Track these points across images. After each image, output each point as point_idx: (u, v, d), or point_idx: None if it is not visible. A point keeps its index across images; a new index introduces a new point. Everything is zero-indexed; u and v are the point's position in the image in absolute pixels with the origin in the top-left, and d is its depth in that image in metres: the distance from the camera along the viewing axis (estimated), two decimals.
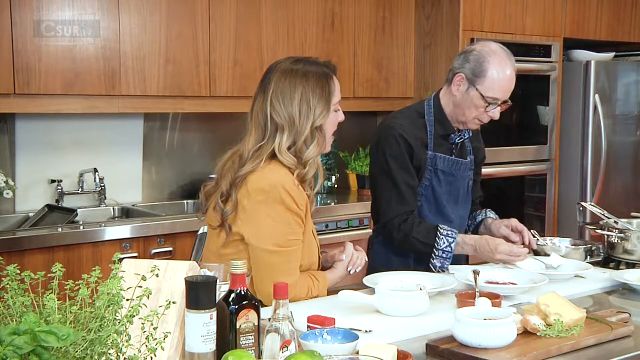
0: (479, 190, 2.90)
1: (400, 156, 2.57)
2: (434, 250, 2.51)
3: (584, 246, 2.72)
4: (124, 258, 1.54)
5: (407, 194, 2.56)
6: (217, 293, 1.52)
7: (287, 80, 2.15)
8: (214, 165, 2.26)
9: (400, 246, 2.59)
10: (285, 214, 2.09)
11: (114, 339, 1.22)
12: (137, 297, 1.29)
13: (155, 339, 1.27)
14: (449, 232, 2.52)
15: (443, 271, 2.51)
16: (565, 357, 1.71)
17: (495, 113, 2.55)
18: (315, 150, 2.15)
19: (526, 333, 1.78)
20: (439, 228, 2.53)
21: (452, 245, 2.50)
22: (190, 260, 1.68)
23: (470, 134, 2.70)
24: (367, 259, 2.40)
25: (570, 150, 4.89)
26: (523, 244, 2.59)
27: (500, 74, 2.50)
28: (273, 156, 2.12)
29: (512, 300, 2.16)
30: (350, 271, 2.32)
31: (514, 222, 2.65)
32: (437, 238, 2.51)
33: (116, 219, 3.74)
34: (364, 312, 2.01)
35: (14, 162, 3.56)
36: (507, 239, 2.57)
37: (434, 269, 2.52)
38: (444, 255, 2.51)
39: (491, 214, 2.78)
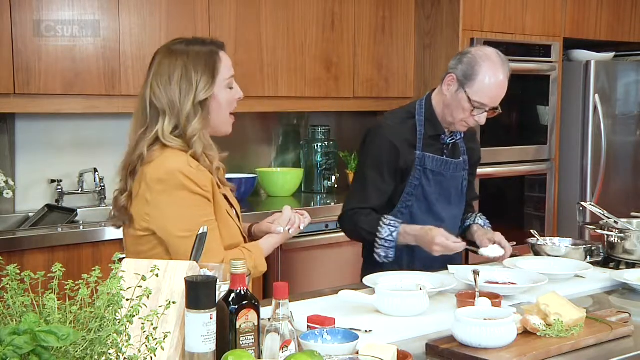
0: (474, 192, 2.90)
1: (378, 158, 2.60)
2: (377, 239, 2.54)
3: (584, 246, 2.72)
4: (124, 258, 1.54)
5: (372, 194, 2.58)
6: (217, 293, 1.52)
7: (167, 61, 2.12)
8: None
9: (350, 237, 2.68)
10: (189, 197, 2.03)
11: (114, 339, 1.22)
12: (137, 297, 1.29)
13: (155, 339, 1.27)
14: (392, 222, 2.54)
15: (388, 261, 2.54)
16: (565, 357, 1.71)
17: (481, 118, 2.55)
18: (197, 125, 2.08)
19: (526, 333, 1.78)
20: (382, 218, 2.55)
21: (394, 234, 2.52)
22: (190, 260, 1.68)
23: (462, 135, 2.70)
24: (309, 219, 2.29)
25: (570, 150, 4.89)
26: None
27: (490, 79, 2.50)
28: (162, 143, 2.08)
29: (512, 300, 2.16)
30: (289, 230, 2.23)
31: (498, 237, 2.60)
32: (379, 227, 2.53)
33: None
34: (364, 312, 2.01)
35: (14, 162, 3.56)
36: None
37: (378, 259, 2.54)
38: (386, 245, 2.53)
39: (480, 220, 2.75)
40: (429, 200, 2.64)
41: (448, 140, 2.66)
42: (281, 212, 2.26)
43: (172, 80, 2.09)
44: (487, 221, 2.78)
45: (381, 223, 2.54)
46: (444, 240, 2.43)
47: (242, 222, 2.27)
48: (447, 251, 2.45)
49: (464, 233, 2.74)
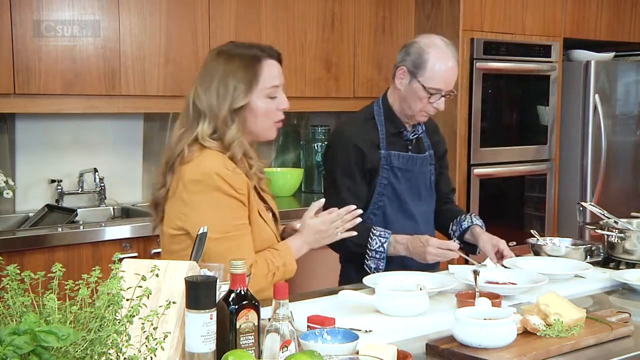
0: (450, 184, 2.91)
1: (346, 163, 2.58)
2: (367, 251, 2.52)
3: (584, 246, 2.72)
4: (124, 258, 1.54)
5: (348, 200, 2.48)
6: (217, 293, 1.52)
7: (211, 64, 2.15)
8: None
9: (334, 248, 2.55)
10: (224, 199, 2.06)
11: (114, 339, 1.22)
12: (137, 297, 1.29)
13: (155, 339, 1.27)
14: (382, 233, 2.53)
15: (378, 272, 2.49)
16: (565, 357, 1.71)
17: (439, 104, 2.57)
18: (235, 131, 2.10)
19: (526, 333, 1.78)
20: (372, 229, 2.53)
21: (385, 245, 2.51)
22: (190, 260, 1.68)
23: (424, 129, 2.71)
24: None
25: (570, 150, 4.89)
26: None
27: (440, 64, 2.52)
28: (205, 145, 2.11)
29: (512, 300, 2.15)
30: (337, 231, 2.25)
31: (502, 244, 2.58)
32: (369, 239, 2.51)
33: (116, 219, 3.74)
34: (364, 312, 2.01)
35: (14, 162, 3.56)
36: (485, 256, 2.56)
37: (369, 270, 2.51)
38: (377, 256, 2.52)
39: (477, 220, 2.74)
40: (401, 198, 2.64)
41: (410, 136, 2.67)
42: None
43: (212, 84, 2.11)
44: (482, 222, 2.77)
45: (371, 234, 2.52)
46: (438, 251, 2.43)
47: (279, 226, 2.29)
48: (442, 258, 2.45)
49: (463, 234, 2.73)
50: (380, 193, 2.62)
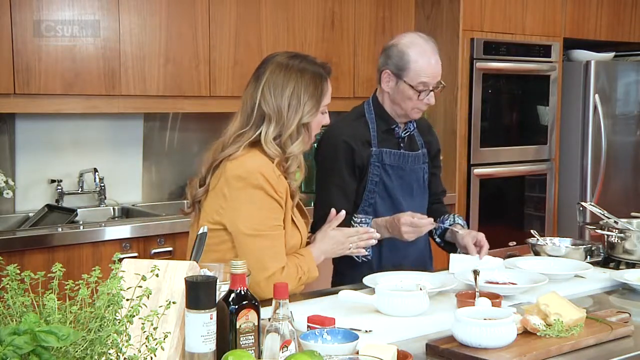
0: (441, 185, 2.91)
1: (334, 160, 2.60)
2: None
3: (584, 246, 2.72)
4: (124, 258, 1.54)
5: (338, 198, 2.55)
6: (217, 293, 1.52)
7: (282, 72, 2.17)
8: None
9: None
10: (264, 198, 2.09)
11: (114, 339, 1.22)
12: (137, 297, 1.29)
13: (155, 339, 1.27)
14: (363, 219, 2.55)
15: (366, 259, 2.53)
16: (565, 357, 1.71)
17: (430, 99, 2.58)
18: (299, 146, 2.17)
19: (526, 333, 1.78)
20: (353, 217, 2.55)
21: None
22: (190, 260, 1.68)
23: (415, 126, 2.71)
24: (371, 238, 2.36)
25: (570, 150, 4.89)
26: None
27: (422, 61, 2.54)
28: (254, 145, 2.14)
29: (512, 300, 2.15)
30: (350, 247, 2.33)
31: (480, 236, 2.58)
32: (352, 227, 2.51)
33: (116, 219, 3.74)
34: (364, 312, 2.01)
35: (14, 162, 3.56)
36: (466, 251, 2.55)
37: (357, 259, 2.53)
38: None
39: (459, 220, 2.72)
40: (392, 196, 2.64)
41: (402, 134, 2.67)
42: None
43: (284, 93, 2.15)
44: (465, 222, 2.76)
45: (352, 223, 2.53)
46: (409, 219, 2.44)
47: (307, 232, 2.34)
48: (416, 231, 2.45)
49: (443, 234, 2.72)
50: (372, 190, 2.62)
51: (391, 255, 2.61)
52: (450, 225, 2.68)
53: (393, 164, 2.63)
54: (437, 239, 2.73)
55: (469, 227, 2.82)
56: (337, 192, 2.58)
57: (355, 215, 2.56)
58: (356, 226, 2.52)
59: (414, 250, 2.65)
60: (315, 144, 2.67)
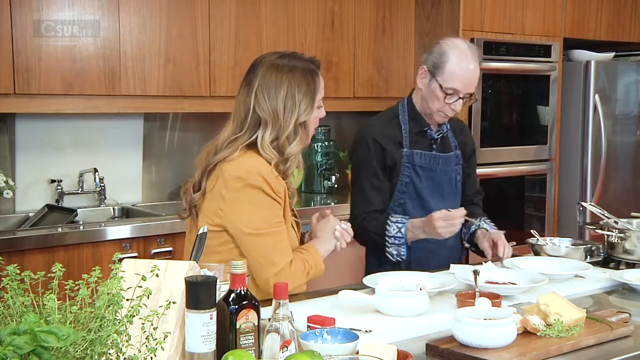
0: (476, 186, 2.90)
1: (367, 159, 2.63)
2: (386, 238, 2.56)
3: (584, 246, 2.72)
4: (124, 258, 1.54)
5: (373, 196, 2.62)
6: (217, 293, 1.52)
7: (274, 74, 2.16)
8: None
9: (362, 243, 2.67)
10: (263, 198, 2.10)
11: (114, 339, 1.22)
12: (137, 297, 1.29)
13: (155, 339, 1.27)
14: (399, 219, 2.57)
15: (401, 259, 2.55)
16: (565, 357, 1.71)
17: (456, 106, 2.59)
18: (297, 146, 2.17)
19: (526, 333, 1.78)
20: (389, 217, 2.57)
21: (402, 230, 2.55)
22: (190, 260, 1.68)
23: (448, 127, 2.72)
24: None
25: (570, 150, 4.89)
26: (497, 255, 2.58)
27: (459, 66, 2.55)
28: (249, 147, 2.13)
29: (512, 300, 2.15)
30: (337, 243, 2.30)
31: (495, 235, 2.60)
32: (387, 226, 2.55)
33: (116, 219, 3.74)
34: (364, 312, 2.01)
35: (14, 162, 3.56)
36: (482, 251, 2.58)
37: (391, 258, 2.56)
38: (397, 242, 2.55)
39: (485, 224, 2.72)
40: (422, 196, 2.65)
41: (435, 135, 2.68)
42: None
43: (278, 96, 2.14)
44: (492, 225, 2.76)
45: (388, 222, 2.57)
46: (442, 215, 2.44)
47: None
48: (450, 224, 2.45)
49: (471, 238, 2.72)
50: (401, 191, 2.65)
51: (420, 255, 2.62)
52: (475, 229, 2.69)
53: (424, 165, 2.65)
54: (467, 244, 2.74)
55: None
56: (372, 191, 2.63)
57: (392, 216, 2.58)
58: (392, 224, 2.55)
59: (443, 250, 2.66)
60: (352, 144, 2.70)
